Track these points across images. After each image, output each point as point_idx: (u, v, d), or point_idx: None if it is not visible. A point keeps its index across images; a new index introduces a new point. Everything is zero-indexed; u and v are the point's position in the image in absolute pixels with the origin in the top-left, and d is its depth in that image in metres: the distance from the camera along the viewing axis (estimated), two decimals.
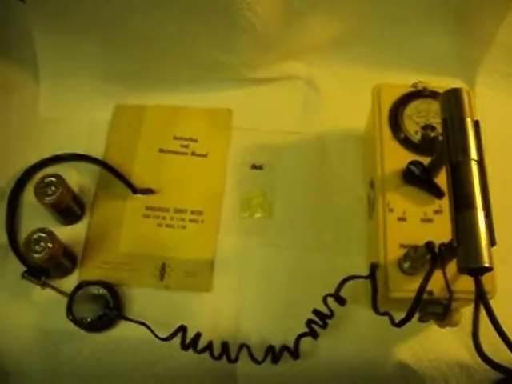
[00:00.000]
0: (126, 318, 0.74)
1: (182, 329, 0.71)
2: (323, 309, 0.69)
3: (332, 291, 0.67)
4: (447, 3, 0.86)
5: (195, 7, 0.80)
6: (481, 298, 0.50)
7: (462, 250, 0.50)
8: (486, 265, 0.48)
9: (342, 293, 0.67)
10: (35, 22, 0.85)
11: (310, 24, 0.88)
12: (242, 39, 0.85)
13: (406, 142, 0.72)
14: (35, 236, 0.71)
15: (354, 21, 0.89)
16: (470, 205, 0.51)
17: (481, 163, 0.53)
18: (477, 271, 0.49)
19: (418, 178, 0.68)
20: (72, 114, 0.89)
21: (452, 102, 0.56)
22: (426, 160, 0.68)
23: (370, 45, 0.91)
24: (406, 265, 0.63)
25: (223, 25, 0.83)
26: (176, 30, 0.84)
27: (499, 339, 0.48)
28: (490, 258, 0.49)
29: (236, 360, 0.71)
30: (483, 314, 0.50)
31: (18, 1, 0.86)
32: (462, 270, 0.50)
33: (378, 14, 0.87)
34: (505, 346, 0.48)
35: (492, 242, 0.50)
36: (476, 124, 0.55)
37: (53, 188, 0.74)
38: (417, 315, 0.64)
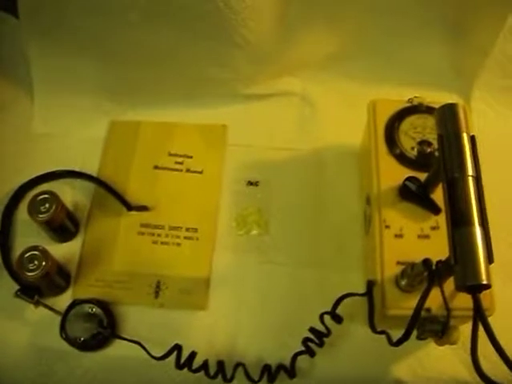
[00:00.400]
0: (120, 337, 0.73)
1: (177, 348, 0.70)
2: (320, 327, 0.68)
3: (329, 308, 0.67)
4: (443, 18, 0.86)
5: (190, 24, 0.80)
6: (479, 315, 0.49)
7: (459, 267, 0.49)
8: (484, 282, 0.47)
9: (339, 310, 0.66)
10: (29, 39, 0.85)
11: (305, 40, 0.88)
12: (236, 55, 0.85)
13: (402, 158, 0.71)
14: (28, 254, 0.70)
15: (349, 36, 0.89)
16: (467, 221, 0.50)
17: (477, 179, 0.53)
18: (475, 289, 0.49)
19: (414, 194, 0.67)
20: (66, 130, 0.89)
21: (448, 118, 0.56)
22: (422, 176, 0.68)
23: (365, 60, 0.91)
24: (403, 282, 0.63)
25: (218, 41, 0.83)
26: (171, 46, 0.84)
27: (498, 357, 0.48)
28: (488, 275, 0.48)
29: (232, 379, 0.70)
30: (482, 331, 0.49)
31: (11, 17, 0.86)
32: (460, 287, 0.49)
33: (374, 28, 0.87)
34: (504, 364, 0.47)
35: (490, 259, 0.49)
36: (472, 139, 0.55)
37: (47, 205, 0.74)
38: (415, 333, 0.64)
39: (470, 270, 0.48)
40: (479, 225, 0.50)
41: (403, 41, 0.90)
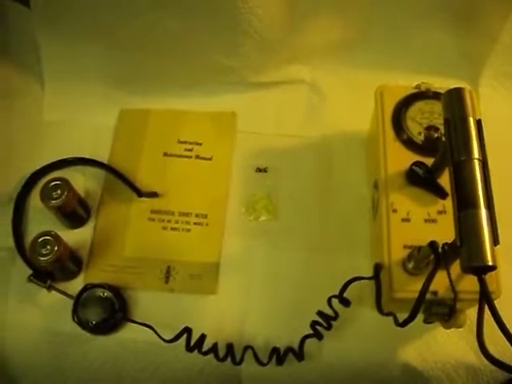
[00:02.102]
0: (132, 321, 0.74)
1: (187, 331, 0.71)
2: (328, 310, 0.69)
3: (337, 292, 0.67)
4: (450, 5, 0.86)
5: (199, 11, 0.81)
6: (485, 297, 0.50)
7: (465, 249, 0.49)
8: (490, 263, 0.48)
9: (347, 294, 0.67)
10: (39, 27, 0.86)
11: (313, 27, 0.88)
12: (245, 43, 0.85)
13: (410, 143, 0.72)
14: (41, 239, 0.71)
15: (357, 23, 0.89)
16: (473, 204, 0.50)
17: (484, 162, 0.53)
18: (480, 270, 0.49)
19: (421, 179, 0.68)
20: (77, 118, 0.90)
21: (454, 102, 0.56)
22: (429, 161, 0.68)
23: (373, 47, 0.91)
24: (410, 265, 0.63)
25: (227, 29, 0.83)
26: (179, 34, 0.85)
27: (505, 340, 0.48)
28: (494, 256, 0.48)
29: (241, 362, 0.71)
30: (489, 315, 0.50)
31: (22, 6, 0.87)
32: (466, 269, 0.49)
33: (381, 16, 0.87)
34: (510, 347, 0.47)
35: (495, 240, 0.49)
36: (478, 123, 0.55)
37: (59, 191, 0.75)
38: (422, 316, 0.65)
39: (476, 252, 0.48)
40: (485, 207, 0.50)
41: (411, 28, 0.90)
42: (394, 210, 0.68)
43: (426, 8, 0.86)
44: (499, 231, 0.51)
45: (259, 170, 0.86)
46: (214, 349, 0.71)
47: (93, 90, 0.91)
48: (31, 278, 0.74)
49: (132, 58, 0.89)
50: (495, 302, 0.50)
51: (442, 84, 0.74)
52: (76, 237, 0.81)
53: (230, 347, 0.72)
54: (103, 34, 0.86)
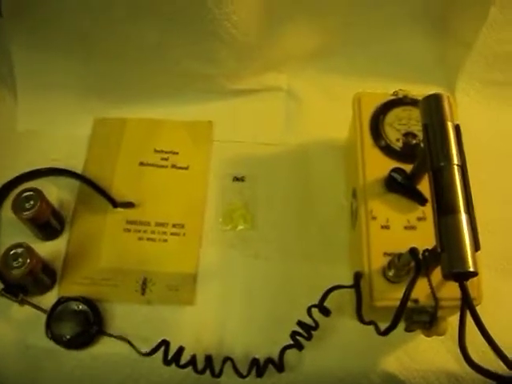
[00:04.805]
0: (108, 334, 0.73)
1: (165, 343, 0.69)
2: (308, 320, 0.68)
3: (316, 302, 0.66)
4: (426, 11, 0.87)
5: (175, 19, 0.80)
6: (466, 303, 0.49)
7: (446, 254, 0.49)
8: (471, 269, 0.47)
9: (327, 303, 0.66)
10: (12, 36, 0.85)
11: (290, 34, 0.88)
12: (221, 50, 0.85)
13: (388, 150, 0.71)
14: (13, 252, 0.70)
15: (334, 31, 0.89)
16: (454, 209, 0.50)
17: (463, 167, 0.53)
18: (462, 276, 0.48)
19: (400, 185, 0.67)
20: (50, 128, 0.89)
21: (432, 107, 0.56)
22: (407, 168, 0.68)
23: (350, 54, 0.92)
24: (391, 273, 0.63)
25: (203, 36, 0.83)
26: (156, 42, 0.84)
27: (486, 347, 0.48)
28: (475, 262, 0.48)
29: (220, 374, 0.70)
30: (470, 322, 0.49)
31: None
32: (447, 275, 0.49)
33: (358, 23, 0.88)
34: (492, 353, 0.47)
35: (476, 246, 0.49)
36: (457, 128, 0.55)
37: (31, 202, 0.73)
38: (403, 325, 0.64)
39: (457, 257, 0.48)
40: (465, 212, 0.50)
41: (387, 35, 0.90)
42: (374, 218, 0.67)
43: (402, 15, 0.87)
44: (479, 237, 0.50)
45: (236, 178, 0.86)
46: (192, 361, 0.70)
47: (67, 100, 0.90)
48: (2, 292, 0.72)
49: (107, 67, 0.88)
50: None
51: (419, 90, 0.74)
52: (50, 249, 0.79)
53: (208, 359, 0.71)
54: (78, 44, 0.85)
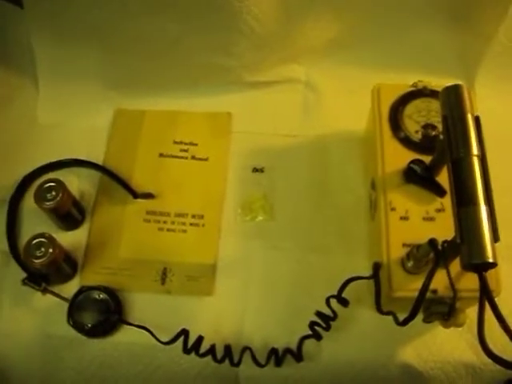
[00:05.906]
0: (128, 323, 0.73)
1: (184, 333, 0.70)
2: (326, 310, 0.68)
3: (335, 292, 0.67)
4: (447, 4, 0.86)
5: (194, 11, 0.80)
6: (485, 294, 0.49)
7: (465, 246, 0.49)
8: (490, 260, 0.47)
9: (345, 294, 0.66)
10: (33, 28, 0.86)
11: (309, 27, 0.88)
12: (241, 42, 0.85)
13: (407, 142, 0.71)
14: (35, 241, 0.71)
15: (353, 22, 0.89)
16: (473, 200, 0.50)
17: (483, 158, 0.53)
18: (481, 267, 0.49)
19: (419, 177, 0.68)
20: (71, 119, 0.90)
21: (452, 99, 0.56)
22: (426, 159, 0.68)
23: (369, 46, 0.91)
24: (410, 264, 0.63)
25: (222, 28, 0.83)
26: (175, 34, 0.84)
27: (505, 338, 0.48)
28: (494, 253, 0.48)
29: (239, 363, 0.71)
30: (489, 314, 0.49)
31: (15, 7, 0.86)
32: (466, 266, 0.49)
33: (377, 14, 0.87)
34: (511, 344, 0.47)
35: (495, 237, 0.49)
36: (477, 120, 0.55)
37: (53, 193, 0.74)
38: (422, 316, 0.64)
39: (476, 248, 0.48)
40: (485, 204, 0.50)
41: (407, 27, 0.90)
42: (393, 209, 0.67)
43: (422, 7, 0.86)
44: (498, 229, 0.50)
45: (255, 170, 0.86)
46: (211, 350, 0.70)
47: (87, 91, 0.91)
48: (25, 281, 0.74)
49: (127, 59, 0.89)
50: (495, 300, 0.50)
51: (437, 82, 0.74)
52: (71, 239, 0.80)
53: (227, 349, 0.72)
54: (98, 36, 0.85)
